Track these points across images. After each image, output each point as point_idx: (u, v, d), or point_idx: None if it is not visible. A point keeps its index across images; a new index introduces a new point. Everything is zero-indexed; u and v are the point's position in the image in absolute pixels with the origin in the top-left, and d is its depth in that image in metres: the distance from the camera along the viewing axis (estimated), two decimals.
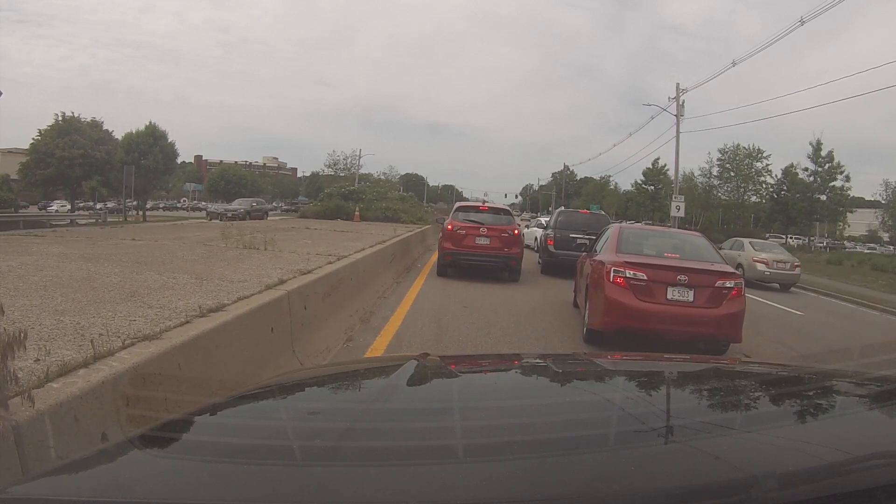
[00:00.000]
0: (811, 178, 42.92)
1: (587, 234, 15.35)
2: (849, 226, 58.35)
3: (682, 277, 6.51)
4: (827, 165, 42.10)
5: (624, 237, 7.69)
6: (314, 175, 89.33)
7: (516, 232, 12.95)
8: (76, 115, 41.32)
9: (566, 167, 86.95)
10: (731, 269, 7.10)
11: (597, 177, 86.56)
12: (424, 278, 12.18)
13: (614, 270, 6.63)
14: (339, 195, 32.72)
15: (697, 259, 7.12)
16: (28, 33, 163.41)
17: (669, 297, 6.48)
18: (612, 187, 79.97)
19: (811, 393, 1.60)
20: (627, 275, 6.56)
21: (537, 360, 2.13)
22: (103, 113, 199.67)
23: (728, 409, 1.43)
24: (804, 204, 43.51)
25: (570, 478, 0.96)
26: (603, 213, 17.24)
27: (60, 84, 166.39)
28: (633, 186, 65.55)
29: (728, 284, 6.65)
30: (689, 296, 6.50)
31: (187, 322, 3.61)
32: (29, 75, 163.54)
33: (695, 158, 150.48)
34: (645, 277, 6.53)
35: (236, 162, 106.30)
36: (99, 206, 39.04)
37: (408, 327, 7.22)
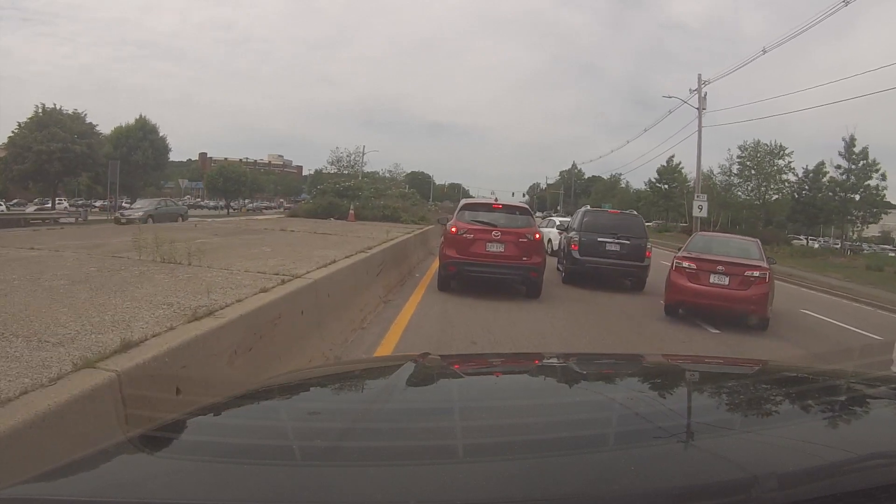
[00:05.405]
0: (844, 176, 39.50)
1: (618, 239, 12.79)
2: (867, 227, 55.41)
3: (720, 267, 8.94)
4: (861, 163, 38.77)
5: (693, 241, 10.47)
6: (317, 173, 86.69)
7: (537, 236, 10.27)
8: (57, 106, 38.00)
9: (574, 165, 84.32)
10: (760, 264, 9.16)
11: (605, 176, 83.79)
12: (421, 294, 9.67)
13: (676, 262, 9.50)
14: (333, 192, 29.26)
15: (742, 257, 9.41)
16: (32, 31, 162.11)
17: (711, 281, 8.92)
18: (622, 186, 77.01)
19: (811, 393, 1.54)
20: (684, 265, 9.25)
21: (537, 361, 2.07)
22: (107, 111, 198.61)
23: (728, 410, 1.38)
24: (836, 203, 40.20)
25: (570, 478, 0.92)
26: (636, 213, 14.57)
27: (64, 82, 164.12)
28: (646, 185, 62.24)
29: (755, 274, 8.88)
30: (725, 281, 8.86)
31: None
32: (33, 73, 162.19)
33: (707, 156, 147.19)
34: (695, 267, 9.11)
35: (241, 160, 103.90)
36: (81, 202, 36.50)
37: None
